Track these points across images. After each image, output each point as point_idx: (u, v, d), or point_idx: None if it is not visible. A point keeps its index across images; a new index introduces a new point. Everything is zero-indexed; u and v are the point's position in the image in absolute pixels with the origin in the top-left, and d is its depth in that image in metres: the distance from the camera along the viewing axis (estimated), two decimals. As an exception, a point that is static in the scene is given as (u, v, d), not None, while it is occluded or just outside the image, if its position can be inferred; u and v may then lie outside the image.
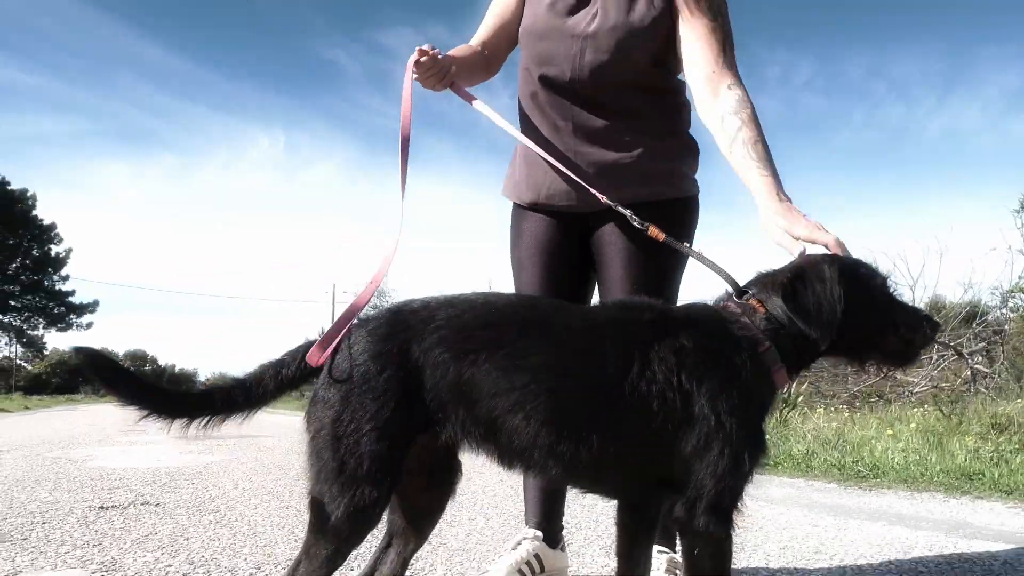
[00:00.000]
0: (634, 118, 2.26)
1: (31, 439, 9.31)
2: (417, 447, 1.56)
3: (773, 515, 3.83)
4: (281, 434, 10.05)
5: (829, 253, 1.70)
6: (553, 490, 2.48)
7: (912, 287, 10.69)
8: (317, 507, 1.51)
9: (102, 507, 4.07)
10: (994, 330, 10.90)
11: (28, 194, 52.21)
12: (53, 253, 53.44)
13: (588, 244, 2.39)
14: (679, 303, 2.08)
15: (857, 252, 1.77)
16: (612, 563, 1.87)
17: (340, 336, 1.61)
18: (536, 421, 1.50)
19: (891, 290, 1.71)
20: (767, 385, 1.61)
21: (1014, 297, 11.38)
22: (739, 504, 1.53)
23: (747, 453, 1.50)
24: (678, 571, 2.27)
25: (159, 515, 3.82)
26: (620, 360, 1.52)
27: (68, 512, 3.89)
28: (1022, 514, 3.84)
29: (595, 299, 2.47)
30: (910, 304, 1.76)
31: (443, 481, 1.73)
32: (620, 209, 2.07)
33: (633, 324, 1.60)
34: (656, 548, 2.30)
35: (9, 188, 51.10)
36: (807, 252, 1.73)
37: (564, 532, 2.55)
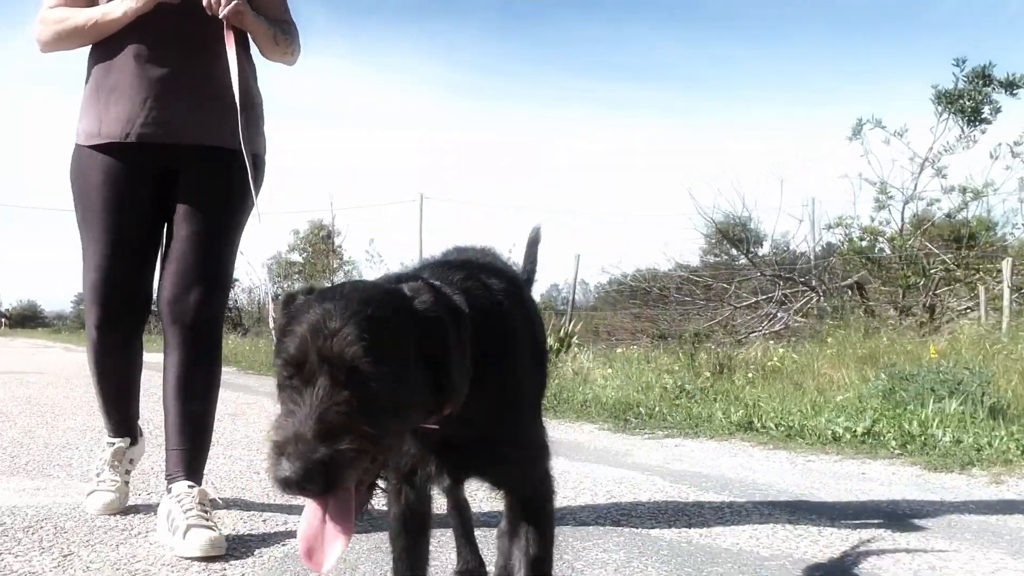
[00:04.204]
0: (223, 69, 2.76)
1: None
2: None
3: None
4: (51, 371, 11.22)
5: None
6: (125, 399, 3.12)
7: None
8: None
9: None
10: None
11: None
12: None
13: (165, 178, 2.84)
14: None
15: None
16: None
17: None
18: None
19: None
20: None
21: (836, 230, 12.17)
22: None
23: None
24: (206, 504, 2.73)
25: None
26: None
27: None
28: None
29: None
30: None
31: None
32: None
33: None
34: (187, 483, 2.75)
35: None
36: None
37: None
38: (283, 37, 2.93)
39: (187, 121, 2.78)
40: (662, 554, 2.67)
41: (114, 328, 2.90)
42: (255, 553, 2.64)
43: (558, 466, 1.87)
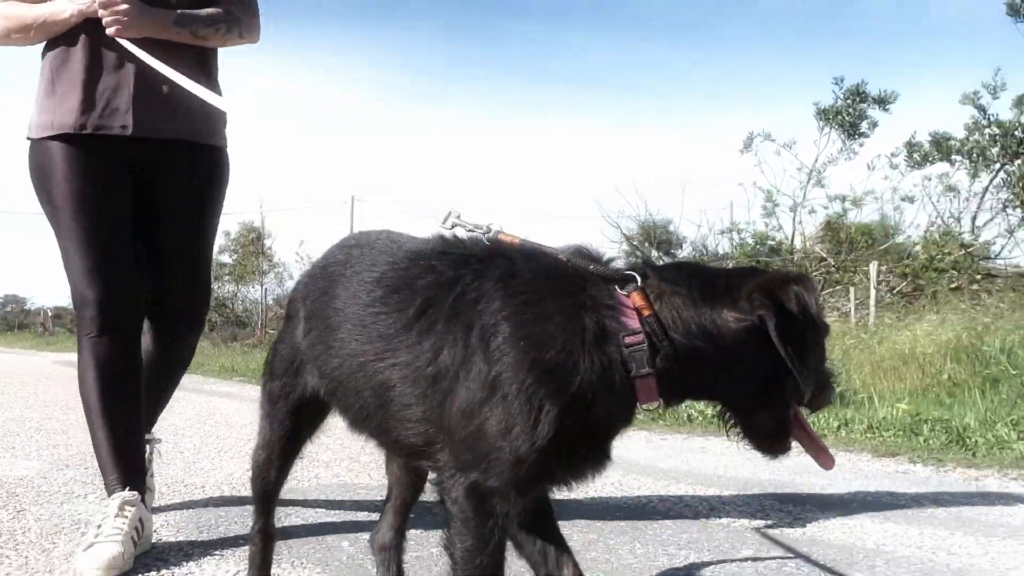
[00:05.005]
0: (187, 57, 2.74)
1: None
2: None
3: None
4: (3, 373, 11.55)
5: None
6: (135, 420, 2.73)
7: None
8: None
9: None
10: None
11: None
12: None
13: (132, 171, 2.75)
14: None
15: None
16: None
17: None
18: None
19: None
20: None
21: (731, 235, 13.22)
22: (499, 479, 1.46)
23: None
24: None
25: None
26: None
27: None
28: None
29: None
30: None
31: None
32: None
33: None
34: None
35: None
36: None
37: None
38: (208, 30, 2.78)
39: (146, 114, 2.70)
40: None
41: (115, 327, 2.64)
42: (193, 503, 3.36)
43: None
